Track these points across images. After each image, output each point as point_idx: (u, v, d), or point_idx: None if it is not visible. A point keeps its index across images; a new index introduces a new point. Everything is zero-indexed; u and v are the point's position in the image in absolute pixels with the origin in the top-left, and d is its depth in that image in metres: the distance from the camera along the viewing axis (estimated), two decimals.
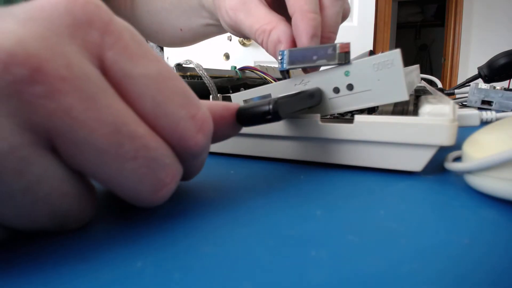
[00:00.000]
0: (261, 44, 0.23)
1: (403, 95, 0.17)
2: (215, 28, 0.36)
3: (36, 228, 0.11)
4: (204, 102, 0.14)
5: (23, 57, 0.09)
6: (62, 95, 0.09)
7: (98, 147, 0.10)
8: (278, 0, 0.24)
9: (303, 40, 0.21)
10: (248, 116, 0.15)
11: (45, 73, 0.09)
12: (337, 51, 0.18)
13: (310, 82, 0.19)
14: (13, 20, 0.10)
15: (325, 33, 0.22)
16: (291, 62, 0.20)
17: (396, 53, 0.17)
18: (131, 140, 0.10)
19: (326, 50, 0.18)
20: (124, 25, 0.11)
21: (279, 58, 0.20)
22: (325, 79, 0.19)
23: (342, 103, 0.19)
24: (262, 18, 0.23)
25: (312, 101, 0.18)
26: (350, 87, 0.18)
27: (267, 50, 0.23)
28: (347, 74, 0.18)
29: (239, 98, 0.23)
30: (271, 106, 0.14)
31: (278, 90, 0.21)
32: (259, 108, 0.15)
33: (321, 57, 0.18)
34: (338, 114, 0.23)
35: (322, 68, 0.19)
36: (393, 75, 0.17)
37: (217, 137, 0.15)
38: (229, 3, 0.25)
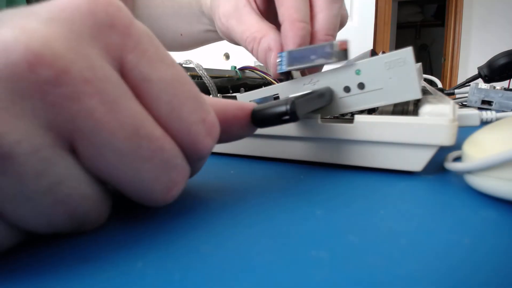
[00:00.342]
0: (251, 52, 0.23)
1: (416, 93, 0.17)
2: (215, 34, 0.36)
3: (53, 230, 0.11)
4: (218, 100, 0.14)
5: (50, 58, 0.09)
6: (86, 97, 0.09)
7: (118, 149, 0.10)
8: (271, 8, 0.24)
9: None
10: (264, 117, 0.14)
11: (70, 75, 0.09)
12: (335, 49, 0.18)
13: (319, 82, 0.19)
14: (36, 19, 0.09)
15: (322, 36, 0.22)
16: (290, 63, 0.19)
17: (408, 51, 0.16)
18: (148, 141, 0.10)
19: (324, 49, 0.18)
20: (143, 28, 0.11)
21: (278, 60, 0.20)
22: (336, 78, 0.18)
23: (353, 102, 0.18)
24: (253, 26, 0.23)
25: (324, 101, 0.18)
26: (361, 86, 0.18)
27: (257, 58, 0.23)
28: (358, 72, 0.18)
29: (245, 99, 0.23)
30: (288, 107, 0.14)
31: (286, 90, 0.20)
32: (276, 109, 0.14)
33: (319, 56, 0.18)
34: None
35: (328, 67, 0.19)
36: (405, 73, 0.17)
37: (230, 137, 0.15)
38: (222, 10, 0.25)
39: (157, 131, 0.11)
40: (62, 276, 0.10)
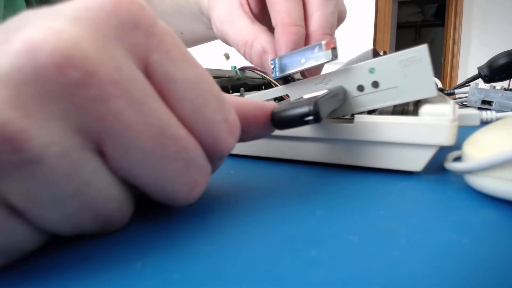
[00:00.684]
0: (244, 56, 0.23)
1: (432, 91, 0.17)
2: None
3: (78, 232, 0.11)
4: (237, 99, 0.14)
5: (78, 60, 0.09)
6: (113, 99, 0.09)
7: (144, 150, 0.10)
8: (265, 10, 0.24)
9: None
10: (285, 118, 0.14)
11: (98, 77, 0.09)
12: (323, 49, 0.17)
13: (331, 81, 0.19)
14: (62, 19, 0.09)
15: (319, 36, 0.21)
16: (282, 69, 0.19)
17: (424, 49, 0.16)
18: (173, 142, 0.10)
19: (313, 50, 0.18)
20: (166, 27, 0.11)
21: (272, 67, 0.20)
22: (349, 77, 0.18)
23: (367, 101, 0.18)
24: (244, 29, 0.22)
25: (339, 100, 0.18)
26: (375, 84, 0.18)
27: (251, 62, 0.23)
28: (372, 71, 0.17)
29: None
30: (311, 107, 0.13)
31: (296, 90, 0.20)
32: (298, 110, 0.14)
33: (309, 59, 0.18)
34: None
35: (334, 67, 0.19)
36: (421, 71, 0.16)
37: (248, 137, 0.15)
38: (217, 14, 0.25)
39: (181, 131, 0.11)
40: (62, 275, 0.10)
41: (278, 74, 0.19)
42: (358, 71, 0.18)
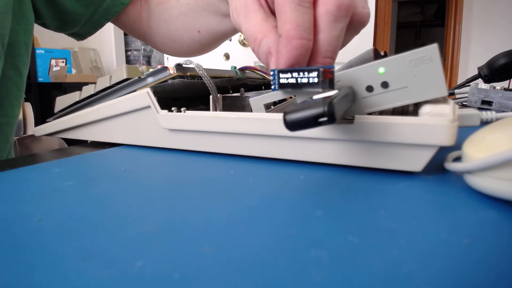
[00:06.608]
0: (253, 51, 0.23)
1: (442, 91, 0.17)
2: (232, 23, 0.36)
3: None
4: None
5: None
6: None
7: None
8: None
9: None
10: (298, 120, 0.13)
11: None
12: (321, 77, 0.17)
13: (340, 82, 0.18)
14: None
15: (319, 58, 0.20)
16: (280, 85, 0.19)
17: (434, 48, 0.16)
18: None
19: (310, 74, 0.17)
20: None
21: (271, 78, 0.20)
22: (358, 77, 0.18)
23: (376, 102, 0.18)
24: (256, 25, 0.22)
25: (349, 101, 0.18)
26: (385, 85, 0.17)
27: (259, 59, 0.23)
28: (381, 71, 0.17)
29: (258, 102, 0.23)
30: (326, 108, 0.13)
31: (303, 91, 0.20)
32: (311, 111, 0.13)
33: (305, 85, 0.18)
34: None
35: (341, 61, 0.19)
36: (431, 70, 0.16)
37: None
38: (234, 4, 0.25)
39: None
40: (62, 275, 0.10)
41: (277, 88, 0.19)
42: (367, 71, 0.18)
